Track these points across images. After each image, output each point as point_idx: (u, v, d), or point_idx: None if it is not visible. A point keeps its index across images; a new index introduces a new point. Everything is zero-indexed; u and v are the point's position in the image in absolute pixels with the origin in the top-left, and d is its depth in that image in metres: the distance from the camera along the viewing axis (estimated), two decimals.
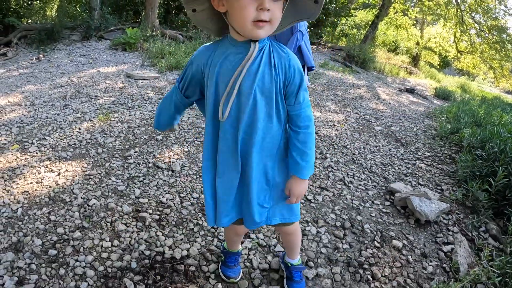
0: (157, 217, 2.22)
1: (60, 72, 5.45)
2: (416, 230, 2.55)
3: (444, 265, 2.19)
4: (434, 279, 2.05)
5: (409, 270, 2.09)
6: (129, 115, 3.79)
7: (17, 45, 7.15)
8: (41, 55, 6.48)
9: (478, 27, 13.55)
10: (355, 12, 14.80)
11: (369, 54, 12.29)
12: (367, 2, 14.50)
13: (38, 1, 9.82)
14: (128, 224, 2.13)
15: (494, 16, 13.40)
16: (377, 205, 2.78)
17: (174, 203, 2.39)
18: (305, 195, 2.70)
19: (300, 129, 1.29)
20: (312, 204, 2.64)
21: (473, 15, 13.63)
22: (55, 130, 3.32)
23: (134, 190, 2.47)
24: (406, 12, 15.68)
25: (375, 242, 2.31)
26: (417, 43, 16.58)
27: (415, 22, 18.41)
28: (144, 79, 5.33)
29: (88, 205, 2.26)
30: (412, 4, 15.34)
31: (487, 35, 13.48)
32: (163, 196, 2.45)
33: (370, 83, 9.26)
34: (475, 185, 2.99)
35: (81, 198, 2.33)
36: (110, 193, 2.42)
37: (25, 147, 2.96)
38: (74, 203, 2.27)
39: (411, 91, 9.21)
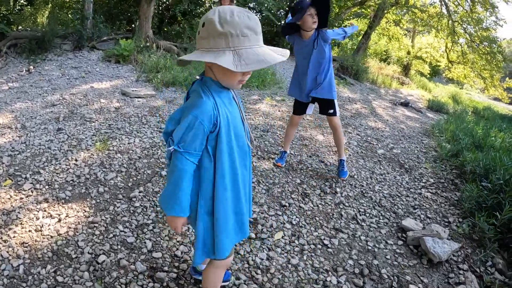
0: (175, 275, 2.06)
1: (51, 88, 5.24)
2: (429, 271, 2.54)
3: None
4: None
5: None
6: (128, 143, 3.62)
7: (6, 54, 6.89)
8: (31, 67, 6.25)
9: (469, 38, 13.68)
10: (348, 22, 14.78)
11: (362, 65, 12.32)
12: (359, 11, 14.51)
13: (29, 7, 9.52)
14: (144, 286, 1.96)
15: (485, 26, 13.55)
16: (391, 245, 2.74)
17: (190, 256, 2.24)
18: (321, 239, 2.62)
19: None
20: (329, 250, 2.56)
21: (464, 26, 13.76)
22: (50, 161, 3.14)
23: (145, 242, 2.30)
24: (398, 22, 15.77)
25: None
26: (408, 53, 16.70)
27: (406, 32, 18.55)
28: (140, 97, 5.17)
29: (98, 262, 2.08)
30: (403, 12, 15.40)
31: (478, 45, 13.62)
32: (177, 249, 2.29)
33: (365, 96, 9.25)
34: (481, 218, 3.01)
35: (88, 253, 2.15)
36: (119, 246, 2.24)
37: (19, 183, 2.78)
38: (82, 259, 2.09)
39: (405, 104, 9.27)
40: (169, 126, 1.39)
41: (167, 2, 10.00)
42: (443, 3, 13.85)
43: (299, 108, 3.64)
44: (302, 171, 3.72)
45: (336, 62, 13.01)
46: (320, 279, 2.25)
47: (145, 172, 3.14)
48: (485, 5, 12.94)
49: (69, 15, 9.66)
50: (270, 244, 2.46)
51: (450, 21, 13.63)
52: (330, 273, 2.33)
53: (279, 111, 5.81)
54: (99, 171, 3.03)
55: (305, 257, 2.42)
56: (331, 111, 3.46)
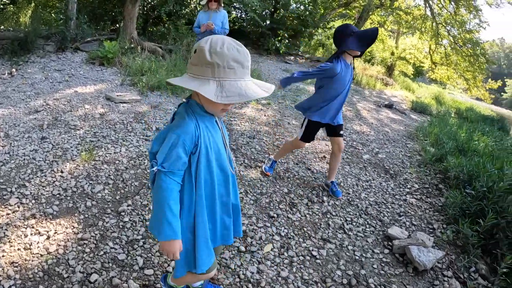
0: None
1: (34, 92, 5.14)
2: (415, 279, 2.61)
3: None
4: None
5: None
6: (114, 153, 3.58)
7: None
8: (14, 70, 6.11)
9: (453, 40, 13.94)
10: (333, 24, 14.89)
11: None
12: (344, 12, 14.62)
13: (11, 6, 9.28)
14: None
15: (468, 29, 13.82)
16: (378, 254, 2.80)
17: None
18: (310, 251, 2.65)
19: None
20: (318, 261, 2.59)
21: (448, 28, 14.01)
22: (35, 173, 3.08)
23: (136, 259, 2.28)
24: (383, 24, 15.95)
25: None
26: (392, 54, 16.90)
27: (391, 33, 18.77)
28: (125, 103, 5.11)
29: (90, 282, 2.05)
30: (388, 13, 15.58)
31: (461, 47, 13.89)
32: (169, 265, 2.29)
33: (349, 97, 9.33)
34: (465, 225, 3.09)
35: (80, 272, 2.12)
36: (111, 264, 2.22)
37: (4, 197, 2.72)
38: (73, 279, 2.06)
39: (389, 106, 9.39)
40: (154, 146, 1.42)
41: (152, 3, 9.88)
42: (427, 5, 14.07)
43: (314, 135, 3.44)
44: (289, 179, 3.75)
45: (321, 62, 13.10)
46: None
47: (133, 184, 3.11)
48: (468, 7, 13.21)
49: (53, 15, 9.45)
50: (260, 257, 2.48)
51: (434, 23, 13.87)
52: (319, 284, 2.37)
53: (264, 115, 5.82)
54: (86, 183, 3.00)
55: (294, 269, 2.45)
56: (342, 132, 3.40)
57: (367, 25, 14.98)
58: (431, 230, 3.26)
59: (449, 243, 3.07)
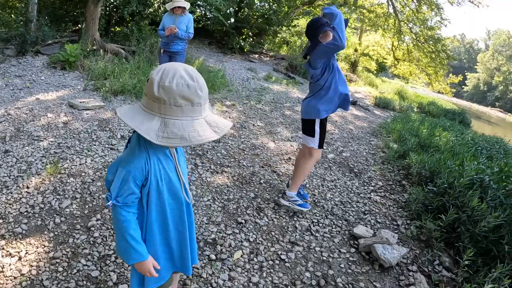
0: None
1: None
2: (381, 275, 2.73)
3: None
4: None
5: None
6: (80, 164, 3.53)
7: None
8: None
9: (415, 37, 14.44)
10: (297, 22, 15.06)
11: None
12: (308, 10, 14.80)
13: None
14: None
15: (430, 26, 14.35)
16: (344, 253, 2.90)
17: None
18: (278, 255, 2.72)
19: None
20: (287, 264, 2.67)
21: (410, 25, 14.49)
22: (1, 190, 2.99)
23: (109, 275, 2.27)
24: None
25: None
26: (356, 50, 17.30)
27: (354, 30, 19.16)
28: (88, 109, 5.01)
29: None
30: (351, 10, 15.89)
31: (423, 44, 14.41)
32: None
33: None
34: (428, 220, 3.24)
35: None
36: (85, 282, 2.20)
37: None
38: None
39: (353, 103, 9.62)
40: (108, 175, 1.40)
41: (115, 3, 9.65)
42: (390, 3, 14.48)
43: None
44: (255, 183, 3.80)
45: (285, 61, 13.26)
46: None
47: (100, 196, 3.09)
48: (430, 5, 13.68)
49: (12, 16, 9.08)
50: (230, 264, 2.54)
51: (396, 21, 14.29)
52: (289, 287, 2.44)
53: (229, 117, 5.86)
54: (53, 198, 2.94)
55: (264, 274, 2.52)
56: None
57: None
58: (395, 227, 3.40)
59: (413, 239, 3.21)
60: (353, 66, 16.92)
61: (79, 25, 9.43)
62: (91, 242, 2.54)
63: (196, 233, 2.72)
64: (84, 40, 7.78)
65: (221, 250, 2.67)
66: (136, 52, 8.36)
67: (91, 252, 2.45)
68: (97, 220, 2.78)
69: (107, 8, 9.63)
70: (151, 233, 1.49)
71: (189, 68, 1.24)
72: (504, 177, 3.60)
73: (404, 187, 4.29)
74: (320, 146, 3.19)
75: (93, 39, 7.97)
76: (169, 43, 5.31)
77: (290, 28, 15.08)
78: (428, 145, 5.46)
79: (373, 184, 4.25)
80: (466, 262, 2.72)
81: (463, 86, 60.36)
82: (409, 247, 3.07)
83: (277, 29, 14.06)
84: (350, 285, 2.55)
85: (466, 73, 61.03)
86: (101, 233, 2.65)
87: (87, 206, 2.92)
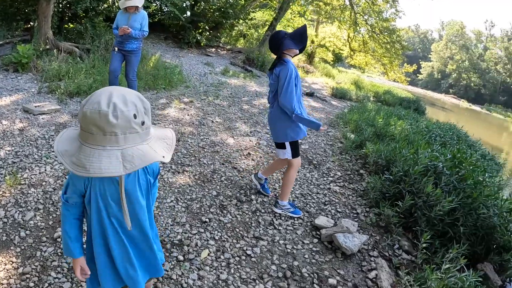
0: None
1: None
2: (344, 263, 2.89)
3: None
4: None
5: None
6: (40, 173, 3.44)
7: None
8: None
9: (370, 29, 14.90)
10: (254, 15, 15.10)
11: (268, 56, 12.73)
12: (265, 2, 14.88)
13: None
14: None
15: (385, 17, 14.85)
16: (307, 244, 3.03)
17: None
18: (244, 250, 2.82)
19: None
20: (253, 259, 2.76)
21: (366, 17, 14.92)
22: None
23: (81, 285, 2.26)
24: (303, 14, 16.50)
25: (315, 285, 2.58)
26: (312, 42, 17.60)
27: (311, 22, 19.46)
28: (44, 114, 4.86)
29: None
30: (308, 2, 16.14)
31: (378, 35, 14.90)
32: None
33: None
34: (386, 208, 3.44)
35: None
36: None
37: None
38: None
39: (310, 94, 9.82)
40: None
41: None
42: None
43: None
44: (216, 181, 3.85)
45: (242, 54, 13.30)
46: None
47: None
48: None
49: None
50: (198, 264, 2.60)
51: (352, 13, 14.67)
52: (257, 281, 2.54)
53: (188, 115, 5.86)
54: (16, 211, 2.86)
55: (232, 271, 2.60)
56: None
57: (287, 15, 15.45)
58: (355, 215, 3.58)
59: (372, 225, 3.40)
60: (310, 57, 17.21)
61: (31, 23, 9.01)
62: (59, 254, 2.50)
63: (162, 236, 2.78)
64: (36, 39, 7.47)
65: (188, 250, 2.73)
66: (91, 50, 8.12)
67: (60, 264, 2.42)
68: None
69: (60, 5, 9.25)
70: (95, 242, 1.48)
71: (127, 93, 1.18)
72: (457, 163, 3.83)
73: (362, 176, 4.50)
74: (295, 155, 3.27)
75: (46, 38, 7.67)
76: (123, 41, 5.21)
77: (247, 21, 15.12)
78: (384, 134, 5.72)
79: (332, 175, 4.43)
80: (424, 245, 2.92)
81: (417, 75, 63.05)
82: (369, 234, 3.26)
83: (234, 22, 14.06)
84: (315, 274, 2.68)
85: (420, 62, 63.87)
86: None
87: (51, 217, 2.87)
